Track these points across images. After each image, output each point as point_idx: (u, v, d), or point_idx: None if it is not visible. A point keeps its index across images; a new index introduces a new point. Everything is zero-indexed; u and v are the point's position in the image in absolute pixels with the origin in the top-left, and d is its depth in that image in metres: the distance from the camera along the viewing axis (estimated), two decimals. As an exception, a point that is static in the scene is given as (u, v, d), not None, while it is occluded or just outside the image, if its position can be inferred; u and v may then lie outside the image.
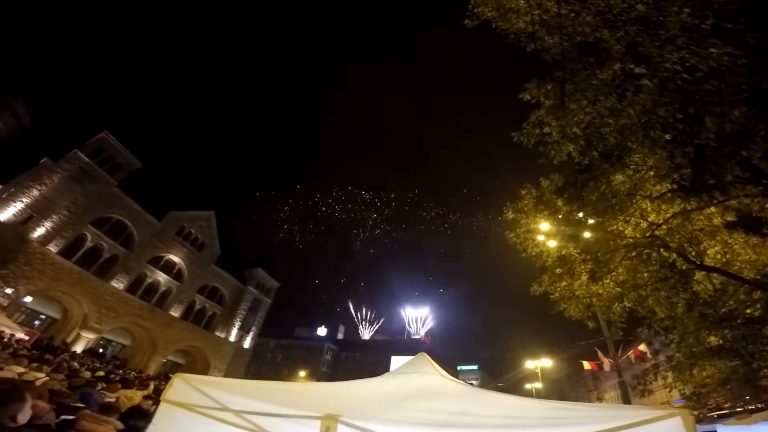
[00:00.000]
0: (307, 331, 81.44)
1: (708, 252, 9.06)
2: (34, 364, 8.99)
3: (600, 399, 64.63)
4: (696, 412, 9.78)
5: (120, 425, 2.53)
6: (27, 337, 21.00)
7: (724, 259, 8.93)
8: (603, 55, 5.97)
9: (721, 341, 7.47)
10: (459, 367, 79.18)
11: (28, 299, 26.34)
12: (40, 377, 7.05)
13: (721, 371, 8.43)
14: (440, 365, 3.89)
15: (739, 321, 6.64)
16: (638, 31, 5.22)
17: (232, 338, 43.36)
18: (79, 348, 27.66)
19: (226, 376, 37.99)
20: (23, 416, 1.80)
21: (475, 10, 7.79)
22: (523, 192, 11.80)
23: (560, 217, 10.56)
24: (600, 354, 18.19)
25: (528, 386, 38.69)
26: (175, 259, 37.45)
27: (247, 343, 46.01)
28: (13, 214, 25.07)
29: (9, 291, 24.08)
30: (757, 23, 4.28)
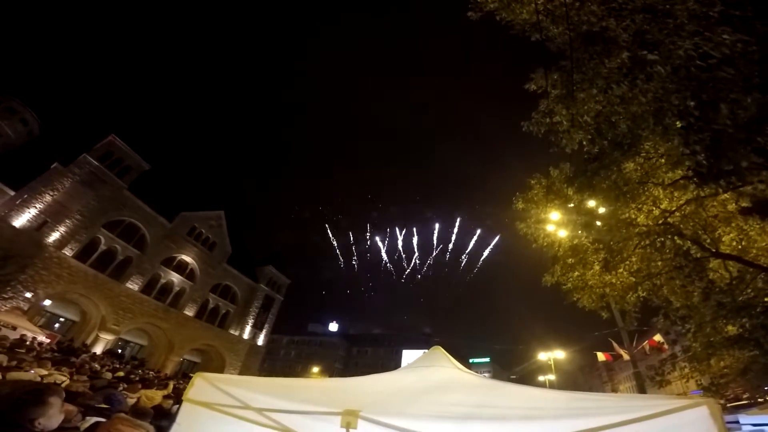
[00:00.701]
0: (319, 327, 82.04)
1: (723, 239, 8.90)
2: (57, 367, 9.25)
3: (615, 390, 64.17)
4: (722, 401, 9.68)
5: (152, 429, 2.59)
6: (48, 340, 21.60)
7: (740, 246, 8.76)
8: (610, 45, 5.90)
9: (739, 330, 7.34)
10: (471, 360, 79.05)
11: (47, 302, 27.01)
12: (63, 379, 7.26)
13: (740, 361, 8.30)
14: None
15: (758, 309, 6.53)
16: (645, 19, 5.14)
17: (246, 336, 43.95)
18: (98, 349, 28.31)
19: (241, 373, 38.56)
20: (49, 421, 1.69)
21: (478, 0, 7.70)
22: (532, 182, 11.73)
23: (571, 206, 10.48)
24: (615, 345, 18.05)
25: (541, 378, 38.59)
26: (188, 259, 37.99)
27: (260, 341, 46.62)
28: (28, 221, 25.60)
29: (29, 295, 24.69)
30: (765, 10, 4.19)
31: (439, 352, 3.93)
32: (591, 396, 2.60)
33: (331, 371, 67.45)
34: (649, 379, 10.27)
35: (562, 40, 6.53)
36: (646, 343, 18.26)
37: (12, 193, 26.29)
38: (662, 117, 5.25)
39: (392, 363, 59.90)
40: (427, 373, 3.51)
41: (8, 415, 1.59)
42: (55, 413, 1.75)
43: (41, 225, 26.17)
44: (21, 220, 25.31)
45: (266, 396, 2.79)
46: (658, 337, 17.60)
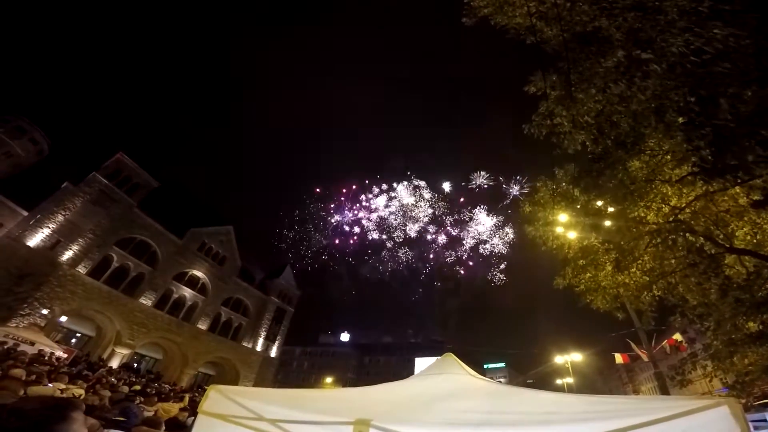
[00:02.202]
0: (330, 338, 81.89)
1: (737, 234, 8.72)
2: (73, 381, 9.39)
3: (636, 392, 62.59)
4: (743, 400, 9.35)
5: None
6: (65, 355, 21.89)
7: (754, 240, 8.56)
8: (605, 44, 5.93)
9: (760, 327, 7.15)
10: (485, 365, 77.84)
11: (64, 319, 27.50)
12: (80, 393, 7.37)
13: (765, 358, 8.06)
14: (466, 364, 3.86)
15: None
16: (636, 17, 5.16)
17: (259, 348, 44.06)
18: (114, 363, 28.65)
19: (255, 385, 38.56)
20: None
21: (472, 3, 7.77)
22: (538, 184, 11.67)
23: (578, 207, 10.40)
24: (633, 345, 17.67)
25: (559, 381, 37.75)
26: (199, 274, 38.43)
27: (273, 352, 46.66)
28: (42, 240, 26.23)
29: (45, 312, 25.22)
30: (755, 3, 4.17)
31: (450, 359, 3.89)
32: (608, 399, 2.53)
33: (344, 381, 67.06)
34: (669, 379, 10.00)
35: (557, 41, 6.57)
36: (665, 343, 17.82)
37: (25, 213, 27.00)
38: (663, 114, 5.23)
39: (405, 371, 59.29)
40: (439, 380, 3.47)
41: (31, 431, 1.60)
42: (78, 429, 1.75)
43: (55, 244, 26.77)
44: (35, 239, 25.95)
45: (279, 407, 2.81)
46: (677, 336, 17.18)
